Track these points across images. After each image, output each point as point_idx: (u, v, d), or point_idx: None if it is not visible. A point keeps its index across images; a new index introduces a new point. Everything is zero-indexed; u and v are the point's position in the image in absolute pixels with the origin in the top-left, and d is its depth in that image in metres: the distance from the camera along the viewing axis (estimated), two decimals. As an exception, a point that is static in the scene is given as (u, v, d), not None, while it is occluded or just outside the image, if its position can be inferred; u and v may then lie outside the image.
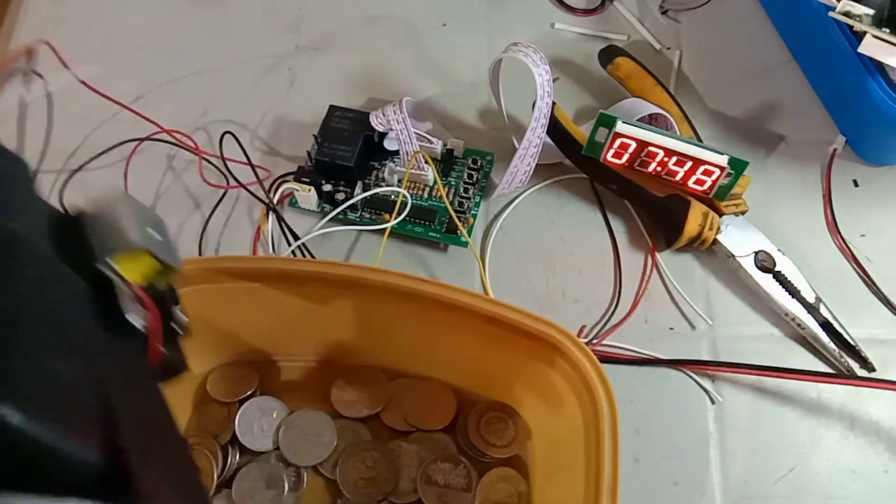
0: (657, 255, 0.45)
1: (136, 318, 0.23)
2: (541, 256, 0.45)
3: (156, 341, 0.24)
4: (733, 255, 0.43)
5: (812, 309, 0.42)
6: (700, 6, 0.53)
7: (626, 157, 0.42)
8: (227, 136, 0.47)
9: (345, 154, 0.44)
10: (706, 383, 0.41)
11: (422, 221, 0.44)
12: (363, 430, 0.39)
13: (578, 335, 0.42)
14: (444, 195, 0.45)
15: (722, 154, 0.40)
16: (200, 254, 0.45)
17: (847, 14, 0.40)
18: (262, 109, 0.49)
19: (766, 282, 0.43)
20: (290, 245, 0.44)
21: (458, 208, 0.45)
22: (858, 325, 0.42)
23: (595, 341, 0.42)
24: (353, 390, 0.40)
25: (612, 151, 0.42)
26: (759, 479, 0.39)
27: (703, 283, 0.44)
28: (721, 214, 0.43)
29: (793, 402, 0.41)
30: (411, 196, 0.44)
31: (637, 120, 0.43)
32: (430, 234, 0.44)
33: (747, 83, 0.50)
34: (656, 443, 0.40)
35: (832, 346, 0.41)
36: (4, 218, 0.21)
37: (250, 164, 0.46)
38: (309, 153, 0.46)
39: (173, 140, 0.48)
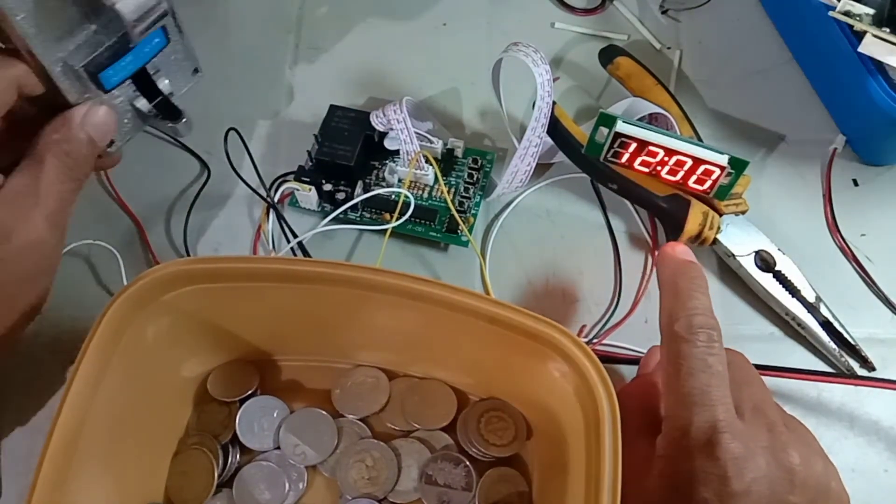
0: (657, 254, 0.45)
1: None
2: (541, 256, 0.45)
3: None
4: (733, 255, 0.43)
5: (812, 308, 0.42)
6: (700, 6, 0.53)
7: (626, 156, 0.42)
8: (231, 133, 0.47)
9: (345, 153, 0.44)
10: (706, 383, 0.41)
11: (422, 221, 0.44)
12: (363, 430, 0.39)
13: (578, 335, 0.42)
14: (445, 194, 0.45)
15: (722, 153, 0.40)
16: (188, 250, 0.45)
17: (847, 13, 0.40)
18: (262, 109, 0.49)
19: (767, 281, 0.43)
20: (289, 243, 0.44)
21: (458, 208, 0.45)
22: (858, 324, 0.42)
23: (595, 341, 0.42)
24: (353, 390, 0.40)
25: (612, 151, 0.42)
26: (760, 478, 0.39)
27: (704, 273, 0.44)
28: (721, 214, 0.43)
29: (792, 401, 0.41)
30: (412, 196, 0.44)
31: (637, 119, 0.43)
32: (431, 233, 0.44)
33: (747, 83, 0.50)
34: (656, 442, 0.40)
35: (832, 345, 0.42)
36: None
37: (252, 162, 0.46)
38: (309, 153, 0.46)
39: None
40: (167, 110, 0.40)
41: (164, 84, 0.39)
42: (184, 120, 0.40)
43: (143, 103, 0.39)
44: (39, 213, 0.34)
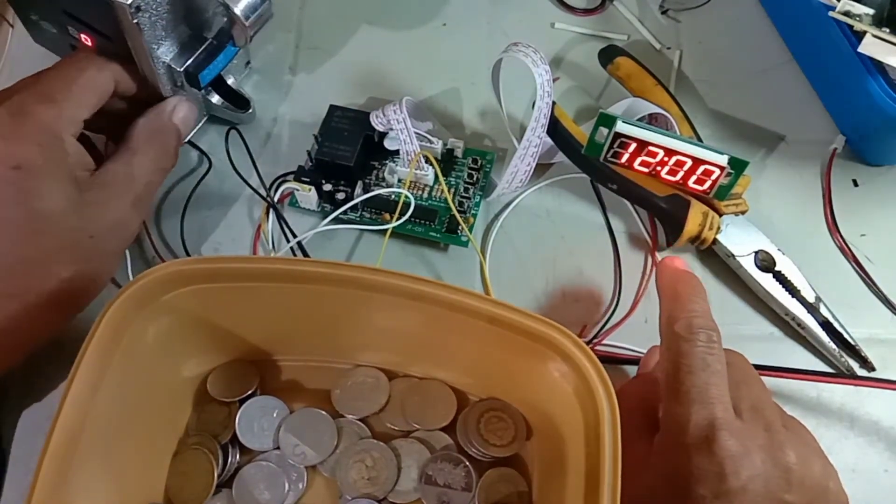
0: (657, 254, 0.45)
1: None
2: (541, 256, 0.45)
3: None
4: (733, 255, 0.43)
5: (812, 308, 0.42)
6: (700, 6, 0.53)
7: (625, 156, 0.42)
8: (231, 132, 0.47)
9: (345, 154, 0.44)
10: (706, 383, 0.41)
11: (422, 221, 0.44)
12: (363, 430, 0.39)
13: (578, 335, 0.42)
14: (446, 193, 0.45)
15: (722, 154, 0.40)
16: (186, 250, 0.45)
17: (847, 14, 0.40)
18: (262, 109, 0.49)
19: (766, 281, 0.43)
20: (288, 243, 0.44)
21: (458, 208, 0.45)
22: (858, 324, 0.42)
23: (595, 341, 0.42)
24: (353, 390, 0.40)
25: (612, 151, 0.42)
26: (759, 478, 0.39)
27: (703, 283, 0.44)
28: (721, 214, 0.43)
29: (793, 401, 0.41)
30: (412, 196, 0.44)
31: (637, 119, 0.43)
32: (431, 233, 0.44)
33: (747, 83, 0.50)
34: (656, 442, 0.40)
35: (832, 345, 0.42)
36: None
37: (252, 161, 0.46)
38: (309, 153, 0.46)
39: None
40: (237, 100, 0.46)
41: (230, 79, 0.45)
42: (250, 110, 0.46)
43: (216, 97, 0.45)
44: (129, 197, 0.38)
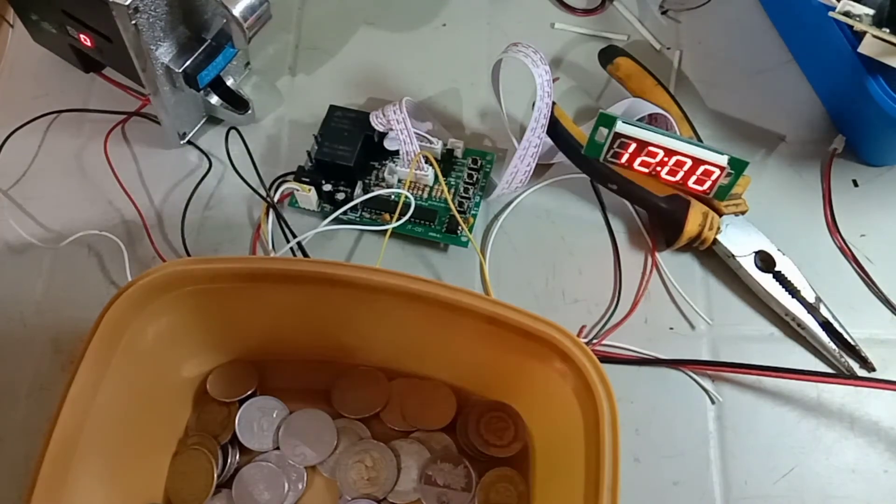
0: (657, 255, 0.45)
1: None
2: (541, 256, 0.45)
3: None
4: (733, 255, 0.43)
5: (812, 309, 0.42)
6: (700, 6, 0.53)
7: (625, 157, 0.42)
8: (231, 132, 0.47)
9: (345, 154, 0.44)
10: (706, 383, 0.41)
11: (422, 221, 0.44)
12: (363, 430, 0.39)
13: (578, 335, 0.42)
14: (447, 193, 0.45)
15: (722, 154, 0.40)
16: (186, 250, 0.45)
17: (847, 14, 0.40)
18: (261, 109, 0.49)
19: (766, 282, 0.43)
20: (288, 243, 0.44)
21: (458, 208, 0.45)
22: (858, 325, 0.42)
23: (595, 341, 0.42)
24: (353, 390, 0.40)
25: (611, 151, 0.42)
26: (759, 478, 0.39)
27: (703, 283, 0.44)
28: (721, 214, 0.43)
29: (793, 402, 0.41)
30: (412, 196, 0.44)
31: (637, 120, 0.43)
32: (431, 234, 0.44)
33: (747, 83, 0.50)
34: (656, 443, 0.40)
35: (832, 346, 0.42)
36: None
37: (252, 161, 0.46)
38: (309, 153, 0.46)
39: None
40: (236, 102, 0.46)
41: (229, 80, 0.46)
42: (249, 111, 0.47)
43: (215, 98, 0.46)
44: None
